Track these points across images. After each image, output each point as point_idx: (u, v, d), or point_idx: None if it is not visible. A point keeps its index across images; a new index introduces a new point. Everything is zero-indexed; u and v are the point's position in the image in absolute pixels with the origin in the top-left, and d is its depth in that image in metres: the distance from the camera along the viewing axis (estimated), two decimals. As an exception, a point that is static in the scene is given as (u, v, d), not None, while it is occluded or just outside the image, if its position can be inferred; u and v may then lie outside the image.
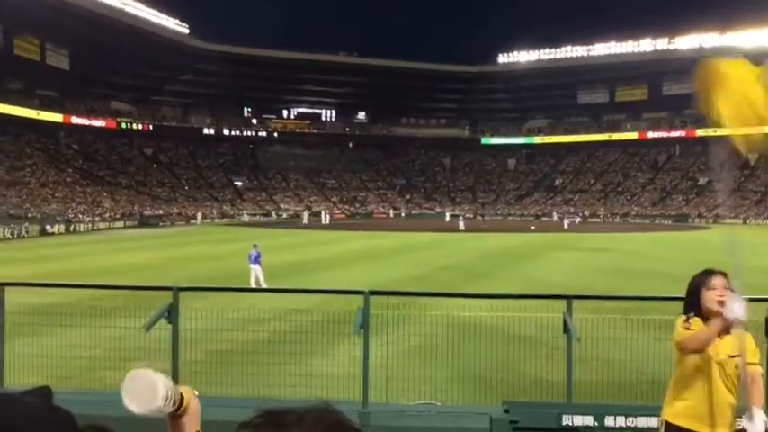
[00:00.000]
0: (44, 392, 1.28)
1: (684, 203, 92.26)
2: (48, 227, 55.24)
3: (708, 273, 3.94)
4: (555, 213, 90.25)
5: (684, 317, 3.91)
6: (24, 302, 7.77)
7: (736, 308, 3.59)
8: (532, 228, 64.20)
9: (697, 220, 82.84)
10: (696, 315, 3.88)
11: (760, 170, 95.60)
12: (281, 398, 6.44)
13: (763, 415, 3.52)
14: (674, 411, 3.92)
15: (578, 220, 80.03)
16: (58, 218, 59.98)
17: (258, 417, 1.10)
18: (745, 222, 79.33)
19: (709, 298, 3.86)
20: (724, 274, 3.93)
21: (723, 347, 3.82)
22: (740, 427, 3.62)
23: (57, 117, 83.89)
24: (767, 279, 22.08)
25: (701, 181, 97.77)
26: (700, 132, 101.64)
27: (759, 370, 3.73)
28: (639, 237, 52.13)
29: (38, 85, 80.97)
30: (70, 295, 8.97)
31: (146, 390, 1.60)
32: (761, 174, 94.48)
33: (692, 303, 3.94)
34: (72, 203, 68.29)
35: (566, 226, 66.91)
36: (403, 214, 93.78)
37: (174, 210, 79.43)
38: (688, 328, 3.81)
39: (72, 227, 58.41)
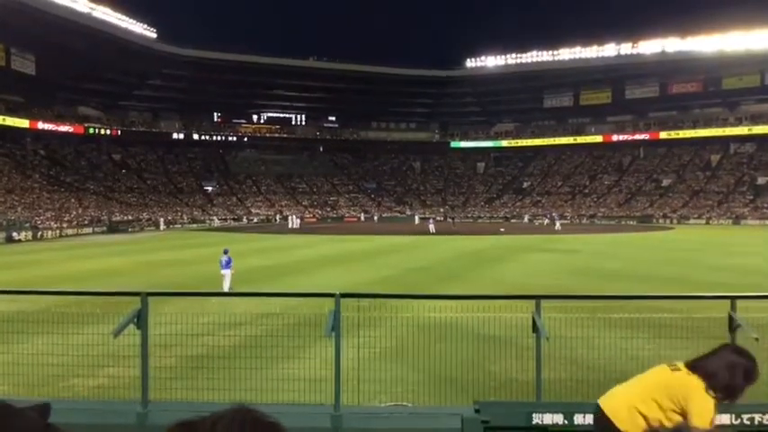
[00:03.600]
0: (43, 409, 1.29)
1: (648, 204, 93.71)
2: (14, 234, 54.22)
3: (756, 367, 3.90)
4: (526, 216, 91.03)
5: (711, 398, 3.73)
6: (-9, 310, 7.67)
7: None
8: (502, 230, 64.62)
9: (661, 221, 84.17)
10: (723, 393, 3.79)
11: (721, 171, 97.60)
12: (254, 402, 6.43)
13: None
14: None
15: (546, 221, 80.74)
16: (25, 224, 58.92)
17: (171, 429, 1.11)
18: (708, 223, 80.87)
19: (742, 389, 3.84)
20: None
21: None
22: None
23: (23, 122, 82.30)
24: (728, 277, 22.64)
25: (665, 182, 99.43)
26: (663, 135, 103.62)
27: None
28: (607, 238, 52.80)
29: (3, 89, 79.37)
30: (38, 302, 8.86)
31: None
32: (722, 175, 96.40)
33: (735, 387, 3.80)
34: (39, 210, 67.14)
35: (557, 227, 66.77)
36: (374, 218, 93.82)
37: (144, 215, 78.52)
38: None
39: (39, 233, 57.40)
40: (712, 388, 3.80)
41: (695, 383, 3.81)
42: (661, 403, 3.86)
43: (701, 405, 3.72)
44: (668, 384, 3.92)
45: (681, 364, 4.01)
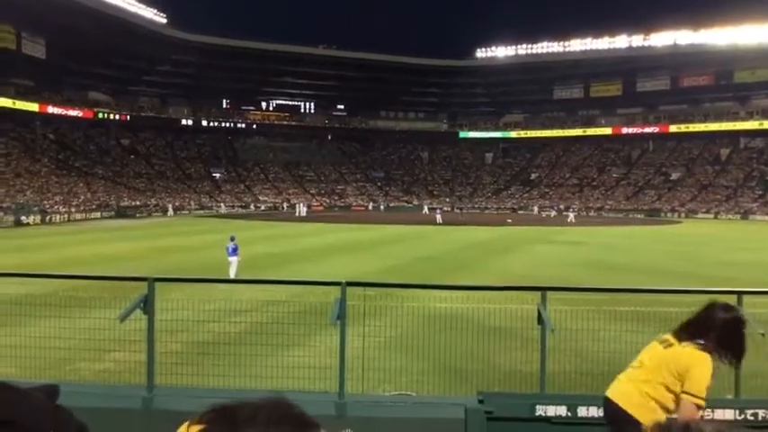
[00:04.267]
0: (51, 390, 1.29)
1: (657, 198, 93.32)
2: (23, 217, 54.49)
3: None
4: (535, 207, 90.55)
5: (711, 363, 3.83)
6: (0, 293, 7.72)
7: None
8: (509, 221, 64.54)
9: (669, 215, 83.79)
10: (731, 355, 3.92)
11: (731, 166, 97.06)
12: (259, 389, 6.47)
13: None
14: None
15: (554, 213, 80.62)
16: (34, 208, 59.16)
17: (211, 412, 1.09)
18: (716, 217, 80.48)
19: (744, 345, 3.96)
20: None
21: None
22: None
23: (32, 106, 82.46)
24: (735, 272, 22.57)
25: (674, 176, 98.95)
26: (673, 128, 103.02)
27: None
28: (614, 230, 52.66)
29: (13, 73, 79.52)
30: (46, 286, 8.91)
31: None
32: (732, 169, 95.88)
33: (738, 344, 3.94)
34: (48, 194, 67.40)
35: (571, 219, 66.82)
36: (381, 207, 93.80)
37: (152, 201, 78.75)
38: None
39: (48, 217, 57.67)
40: (719, 354, 3.88)
41: (695, 354, 3.86)
42: (668, 384, 3.91)
43: (700, 373, 3.79)
44: (667, 361, 3.96)
45: (671, 338, 4.02)
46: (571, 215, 69.46)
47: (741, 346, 3.94)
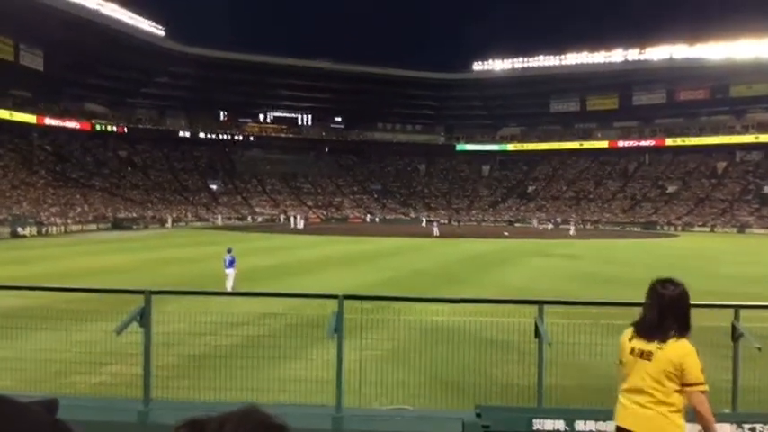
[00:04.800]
0: (50, 404, 1.30)
1: (653, 211, 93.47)
2: (19, 229, 54.32)
3: None
4: (534, 220, 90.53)
5: (693, 347, 3.93)
6: (-5, 305, 7.68)
7: None
8: (505, 233, 64.57)
9: (666, 228, 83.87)
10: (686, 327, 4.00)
11: (727, 179, 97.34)
12: (256, 402, 6.43)
13: None
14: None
15: (551, 226, 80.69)
16: (30, 220, 59.00)
17: (182, 427, 1.12)
18: (712, 230, 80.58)
19: None
20: None
21: None
22: None
23: (30, 118, 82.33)
24: (732, 286, 22.58)
25: (670, 189, 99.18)
26: (669, 142, 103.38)
27: None
28: (611, 243, 52.67)
29: (11, 84, 79.59)
30: (42, 298, 8.87)
31: None
32: (728, 183, 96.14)
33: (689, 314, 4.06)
34: (44, 205, 67.24)
35: (572, 232, 67.32)
36: (377, 219, 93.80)
37: (149, 213, 78.65)
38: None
39: (44, 229, 57.49)
40: (687, 328, 3.99)
41: (678, 347, 3.92)
42: (676, 388, 3.92)
43: (691, 362, 3.87)
44: (662, 371, 3.96)
45: (644, 344, 4.02)
46: (572, 228, 69.74)
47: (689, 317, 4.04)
